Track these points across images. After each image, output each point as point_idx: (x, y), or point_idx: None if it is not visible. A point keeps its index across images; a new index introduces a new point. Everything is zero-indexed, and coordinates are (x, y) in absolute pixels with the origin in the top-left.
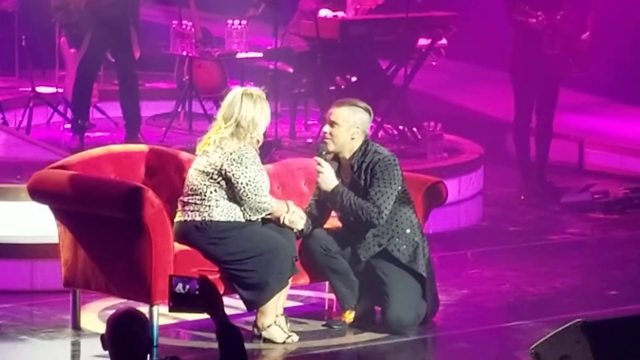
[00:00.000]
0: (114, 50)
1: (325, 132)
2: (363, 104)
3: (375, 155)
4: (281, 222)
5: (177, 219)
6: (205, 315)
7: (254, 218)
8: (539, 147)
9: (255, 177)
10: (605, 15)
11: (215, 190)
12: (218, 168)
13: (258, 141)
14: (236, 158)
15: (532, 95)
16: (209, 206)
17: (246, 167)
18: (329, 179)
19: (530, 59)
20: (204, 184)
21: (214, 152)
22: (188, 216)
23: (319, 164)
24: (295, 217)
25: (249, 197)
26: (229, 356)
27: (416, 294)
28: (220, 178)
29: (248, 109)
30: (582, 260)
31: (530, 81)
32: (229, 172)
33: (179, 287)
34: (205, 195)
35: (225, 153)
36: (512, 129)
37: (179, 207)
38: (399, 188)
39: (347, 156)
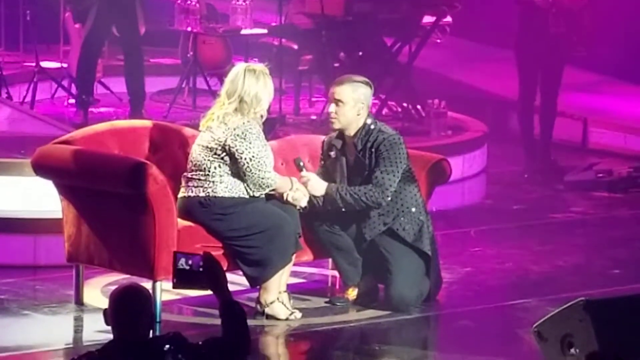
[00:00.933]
0: (119, 25)
1: (331, 112)
2: (362, 79)
3: (380, 135)
4: (284, 199)
5: (180, 194)
6: (208, 292)
7: (257, 194)
8: (543, 126)
9: (259, 152)
10: None
11: (219, 166)
12: (222, 144)
13: (262, 116)
14: (240, 134)
15: (536, 73)
16: (213, 182)
17: (250, 143)
18: (317, 184)
19: (535, 37)
20: (208, 160)
21: (217, 127)
22: (192, 192)
23: (302, 177)
24: (299, 195)
25: (252, 173)
26: (232, 333)
27: (419, 272)
28: (224, 154)
29: (251, 84)
30: (585, 238)
31: (535, 59)
32: (233, 147)
33: (183, 264)
34: (209, 171)
35: (229, 129)
36: (517, 107)
37: (183, 183)
38: (404, 167)
39: (352, 133)
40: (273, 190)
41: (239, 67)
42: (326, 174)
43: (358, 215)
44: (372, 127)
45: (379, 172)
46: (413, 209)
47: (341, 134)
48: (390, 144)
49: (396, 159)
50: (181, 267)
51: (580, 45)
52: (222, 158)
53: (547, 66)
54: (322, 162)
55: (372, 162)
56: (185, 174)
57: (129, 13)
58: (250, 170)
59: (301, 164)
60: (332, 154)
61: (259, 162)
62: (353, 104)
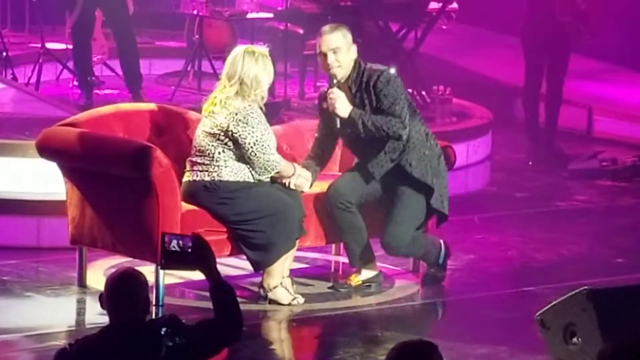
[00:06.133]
0: (107, 7)
1: (330, 63)
2: (339, 24)
3: (372, 73)
4: (287, 185)
5: (185, 178)
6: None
7: (263, 177)
8: (549, 113)
9: (261, 136)
10: None
11: (223, 151)
12: (224, 129)
13: (263, 98)
14: (242, 118)
15: (542, 60)
16: (218, 166)
17: (252, 127)
18: (345, 105)
19: (541, 24)
20: (212, 145)
21: (219, 112)
22: (197, 176)
23: (331, 94)
24: (301, 181)
25: (257, 157)
26: (224, 312)
27: (417, 219)
28: (227, 139)
29: (250, 66)
30: (588, 227)
31: (541, 47)
32: (236, 132)
33: (173, 245)
34: (213, 156)
35: (230, 113)
36: (522, 94)
37: (188, 167)
38: (405, 99)
39: (345, 78)
40: (277, 172)
41: (238, 50)
42: (325, 127)
43: (365, 154)
44: (362, 66)
45: (386, 107)
46: (417, 143)
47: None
48: (386, 79)
49: (396, 91)
50: (171, 248)
51: (586, 33)
52: (225, 143)
53: (554, 54)
54: (319, 111)
55: (371, 102)
56: (189, 158)
57: None
58: (255, 154)
59: (334, 81)
60: (325, 104)
61: (262, 145)
62: (347, 48)
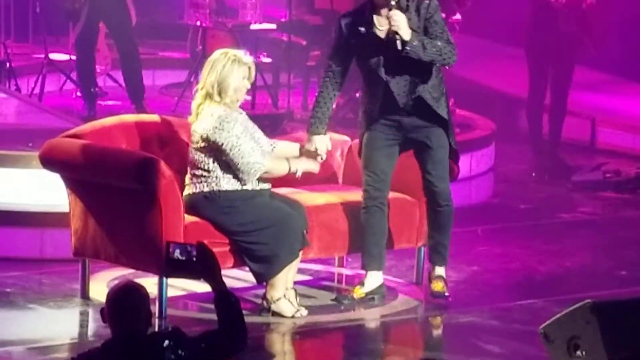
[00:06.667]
0: (110, 20)
1: None
2: None
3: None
4: (296, 176)
5: (185, 192)
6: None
7: (253, 184)
8: (552, 125)
9: (237, 140)
10: None
11: (215, 161)
12: (206, 139)
13: (234, 102)
14: (217, 125)
15: (547, 72)
16: (216, 177)
17: (228, 132)
18: (407, 27)
19: (546, 35)
20: (204, 157)
21: (197, 123)
22: (196, 188)
23: (395, 15)
24: (307, 166)
25: (236, 162)
26: (228, 323)
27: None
28: (212, 149)
29: (218, 70)
30: (592, 239)
31: (546, 58)
32: (214, 141)
33: (177, 254)
34: (208, 167)
35: (206, 122)
36: (526, 106)
37: (187, 181)
38: None
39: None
40: (267, 173)
41: (212, 55)
42: (343, 61)
43: (400, 87)
44: None
45: (439, 34)
46: (438, 76)
47: (360, 10)
48: (436, 5)
49: (442, 20)
50: (175, 257)
51: (591, 45)
52: (214, 154)
53: (558, 65)
54: (338, 42)
55: (419, 27)
56: (188, 171)
57: (119, 6)
58: (234, 160)
59: (392, 3)
60: (362, 29)
61: (239, 149)
62: None
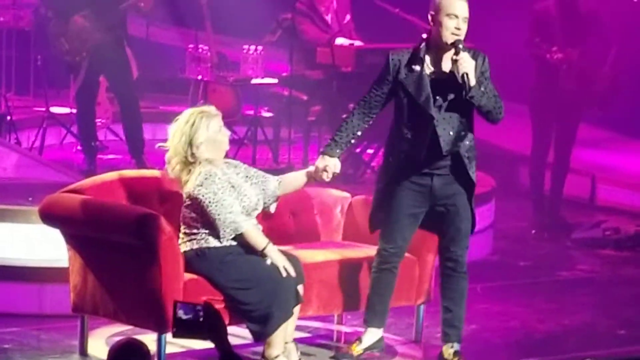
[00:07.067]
0: (110, 73)
1: (460, 28)
2: None
3: (476, 53)
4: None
5: (181, 249)
6: (212, 344)
7: (230, 241)
8: (554, 182)
9: (214, 196)
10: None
11: (202, 218)
12: (190, 197)
13: (206, 160)
14: (198, 182)
15: (550, 130)
16: (204, 234)
17: (206, 188)
18: (471, 66)
19: (548, 93)
20: (193, 215)
21: (184, 184)
22: (187, 246)
23: (465, 57)
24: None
25: (216, 217)
26: None
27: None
28: (198, 206)
29: (181, 130)
30: (591, 297)
31: (550, 116)
32: (197, 197)
33: (183, 313)
34: (197, 225)
35: (191, 181)
36: (529, 163)
37: (180, 239)
38: None
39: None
40: (243, 236)
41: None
42: (391, 89)
43: (446, 134)
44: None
45: (491, 90)
46: (473, 139)
47: (415, 49)
48: (488, 63)
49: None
50: (182, 316)
51: (595, 103)
52: (200, 211)
53: (562, 123)
54: (383, 76)
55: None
56: (181, 229)
57: (120, 60)
58: (213, 214)
59: (460, 46)
60: (417, 67)
61: (215, 205)
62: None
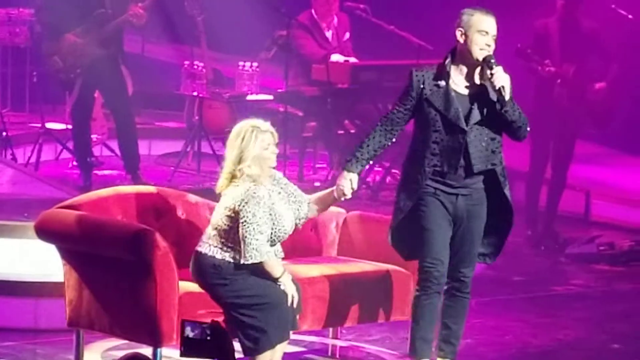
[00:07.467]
0: (106, 89)
1: (490, 45)
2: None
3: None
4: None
5: (198, 247)
6: None
7: (243, 261)
8: (550, 198)
9: (252, 218)
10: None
11: (234, 232)
12: (232, 209)
13: (254, 175)
14: (244, 197)
15: (548, 147)
16: (230, 247)
17: (249, 207)
18: (509, 82)
19: (545, 109)
20: (228, 225)
21: (229, 192)
22: (210, 250)
23: (500, 72)
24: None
25: (245, 237)
26: None
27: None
28: (234, 220)
29: (236, 145)
30: (586, 312)
31: (548, 131)
32: (238, 212)
33: (191, 332)
34: (228, 237)
35: (236, 193)
36: (527, 179)
37: (204, 238)
38: None
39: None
40: (262, 264)
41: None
42: (416, 105)
43: (476, 151)
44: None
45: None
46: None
47: (441, 64)
48: (510, 81)
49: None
50: (189, 335)
51: (591, 122)
52: (235, 224)
53: (559, 139)
54: (408, 92)
55: (494, 96)
56: (209, 228)
57: (115, 76)
58: (243, 233)
59: (492, 60)
60: (442, 83)
61: (249, 226)
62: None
